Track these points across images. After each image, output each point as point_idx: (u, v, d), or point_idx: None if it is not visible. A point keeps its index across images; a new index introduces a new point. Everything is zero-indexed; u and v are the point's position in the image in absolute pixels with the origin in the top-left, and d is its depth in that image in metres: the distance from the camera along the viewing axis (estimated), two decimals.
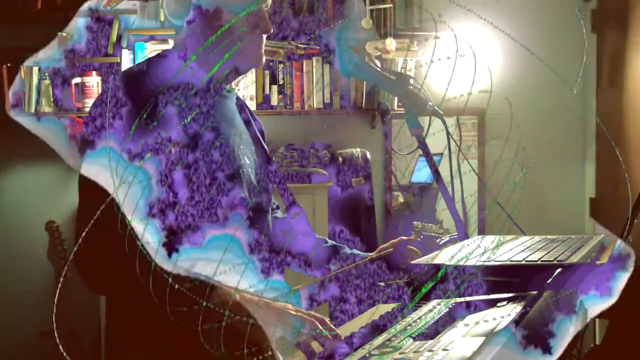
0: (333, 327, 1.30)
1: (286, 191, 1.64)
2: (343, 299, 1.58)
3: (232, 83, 1.61)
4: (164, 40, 3.88)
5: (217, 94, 1.50)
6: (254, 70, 3.89)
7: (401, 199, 4.09)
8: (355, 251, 1.73)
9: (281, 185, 1.63)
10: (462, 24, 4.01)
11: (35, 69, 3.70)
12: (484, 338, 1.01)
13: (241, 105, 1.62)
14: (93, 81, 3.76)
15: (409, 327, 1.19)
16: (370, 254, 1.70)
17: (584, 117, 4.15)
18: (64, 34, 3.69)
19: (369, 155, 3.94)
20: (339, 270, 1.62)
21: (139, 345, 1.44)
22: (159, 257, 1.34)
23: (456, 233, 1.71)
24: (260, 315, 1.29)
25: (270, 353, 1.26)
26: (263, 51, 1.53)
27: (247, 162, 1.53)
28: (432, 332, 1.17)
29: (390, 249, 1.68)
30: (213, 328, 1.29)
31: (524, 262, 1.35)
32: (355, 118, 4.04)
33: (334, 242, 1.74)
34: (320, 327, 1.29)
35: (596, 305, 1.17)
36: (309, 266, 1.68)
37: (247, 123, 1.62)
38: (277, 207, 1.76)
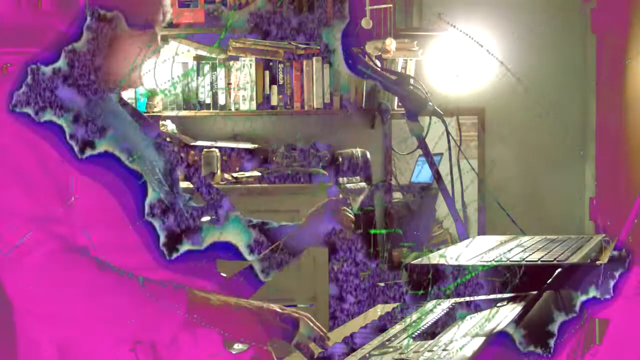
0: (319, 324, 1.30)
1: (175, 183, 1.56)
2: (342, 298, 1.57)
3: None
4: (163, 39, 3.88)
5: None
6: (253, 70, 3.90)
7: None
8: (284, 223, 1.68)
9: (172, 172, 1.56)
10: (461, 25, 4.01)
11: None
12: (484, 338, 1.01)
13: (122, 99, 1.56)
14: None
15: (409, 327, 1.19)
16: (299, 223, 1.65)
17: (584, 117, 4.15)
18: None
19: (369, 155, 3.94)
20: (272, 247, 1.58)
21: None
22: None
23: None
24: (249, 316, 1.28)
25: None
26: None
27: (151, 157, 1.47)
28: (432, 332, 1.17)
29: (320, 212, 1.63)
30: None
31: (524, 262, 1.35)
32: (355, 118, 4.04)
33: (258, 220, 1.68)
34: (312, 325, 1.29)
35: (596, 305, 1.17)
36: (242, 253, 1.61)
37: (133, 116, 1.55)
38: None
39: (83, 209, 1.29)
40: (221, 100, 3.92)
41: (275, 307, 1.31)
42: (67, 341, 1.31)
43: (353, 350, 1.17)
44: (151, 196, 1.37)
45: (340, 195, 1.64)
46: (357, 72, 1.63)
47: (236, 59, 3.92)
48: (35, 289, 1.22)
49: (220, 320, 1.27)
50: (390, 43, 3.82)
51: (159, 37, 1.45)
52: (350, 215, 1.62)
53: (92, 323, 1.24)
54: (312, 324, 1.28)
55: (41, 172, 1.24)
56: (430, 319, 1.23)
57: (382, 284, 1.60)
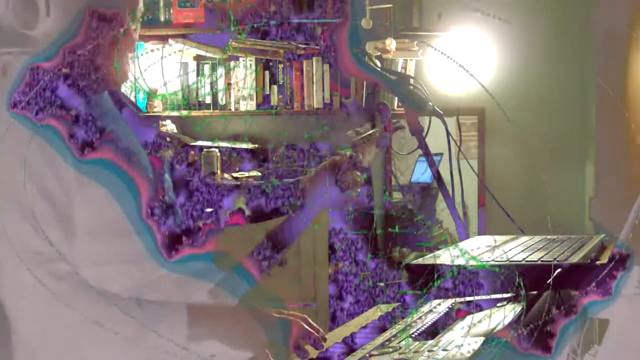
0: (316, 325, 1.30)
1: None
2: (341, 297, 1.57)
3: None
4: (164, 40, 3.88)
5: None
6: (253, 69, 3.90)
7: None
8: (284, 180, 1.62)
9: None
10: (461, 26, 4.01)
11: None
12: (484, 338, 1.01)
13: (120, 99, 1.53)
14: None
15: (409, 327, 1.19)
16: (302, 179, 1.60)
17: (584, 116, 4.15)
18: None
19: None
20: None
21: None
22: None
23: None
24: (247, 320, 1.28)
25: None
26: None
27: (142, 157, 1.45)
28: (432, 332, 1.17)
29: (322, 173, 1.58)
30: None
31: (524, 262, 1.35)
32: (355, 118, 4.04)
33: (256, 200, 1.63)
34: (307, 327, 1.28)
35: (596, 305, 1.16)
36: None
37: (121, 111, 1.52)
38: None
39: (86, 220, 1.28)
40: (221, 100, 3.93)
41: (272, 311, 1.31)
42: None
43: (353, 350, 1.17)
44: (157, 195, 1.36)
45: (347, 153, 1.60)
46: (357, 73, 1.63)
47: (236, 59, 3.92)
48: (39, 324, 1.22)
49: (219, 326, 1.27)
50: (390, 43, 3.82)
51: (132, 28, 1.42)
52: (358, 176, 1.58)
53: (97, 354, 1.25)
54: (307, 327, 1.28)
55: (44, 202, 1.23)
56: (430, 319, 1.23)
57: (382, 284, 1.60)
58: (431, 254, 1.50)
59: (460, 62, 1.52)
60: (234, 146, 3.89)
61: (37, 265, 1.22)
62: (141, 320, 1.23)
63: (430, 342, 1.06)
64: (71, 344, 1.24)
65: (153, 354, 1.25)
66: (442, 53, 1.56)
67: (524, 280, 1.25)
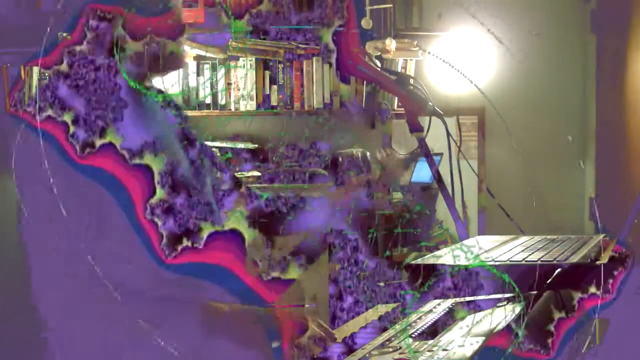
0: (324, 325, 1.31)
1: None
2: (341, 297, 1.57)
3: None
4: None
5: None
6: (253, 69, 3.89)
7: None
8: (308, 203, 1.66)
9: None
10: (461, 25, 4.01)
11: (36, 69, 3.69)
12: (483, 338, 1.01)
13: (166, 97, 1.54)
14: None
15: (409, 327, 1.19)
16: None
17: (584, 117, 4.15)
18: (65, 34, 3.69)
19: (369, 155, 3.94)
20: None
21: None
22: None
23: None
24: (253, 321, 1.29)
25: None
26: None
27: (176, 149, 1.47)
28: (432, 332, 1.17)
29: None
30: None
31: (524, 262, 1.35)
32: (355, 118, 4.04)
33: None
34: (314, 326, 1.29)
35: (596, 305, 1.17)
36: None
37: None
38: None
39: (89, 220, 1.30)
40: (221, 100, 3.93)
41: (277, 313, 1.31)
42: None
43: (353, 350, 1.17)
44: (157, 196, 1.38)
45: (356, 151, 1.63)
46: (356, 73, 1.63)
47: (236, 59, 3.92)
48: (64, 317, 1.25)
49: (228, 325, 1.28)
50: (390, 43, 3.82)
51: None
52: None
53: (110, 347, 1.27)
54: (316, 327, 1.29)
55: (81, 208, 1.26)
56: (430, 319, 1.23)
57: (382, 284, 1.60)
58: (431, 254, 1.50)
59: (458, 65, 1.52)
60: (234, 146, 3.90)
61: (63, 265, 1.24)
62: (153, 316, 1.24)
63: (430, 342, 1.06)
64: (95, 337, 1.25)
65: (164, 348, 1.26)
66: (440, 58, 1.57)
67: (524, 280, 1.25)
